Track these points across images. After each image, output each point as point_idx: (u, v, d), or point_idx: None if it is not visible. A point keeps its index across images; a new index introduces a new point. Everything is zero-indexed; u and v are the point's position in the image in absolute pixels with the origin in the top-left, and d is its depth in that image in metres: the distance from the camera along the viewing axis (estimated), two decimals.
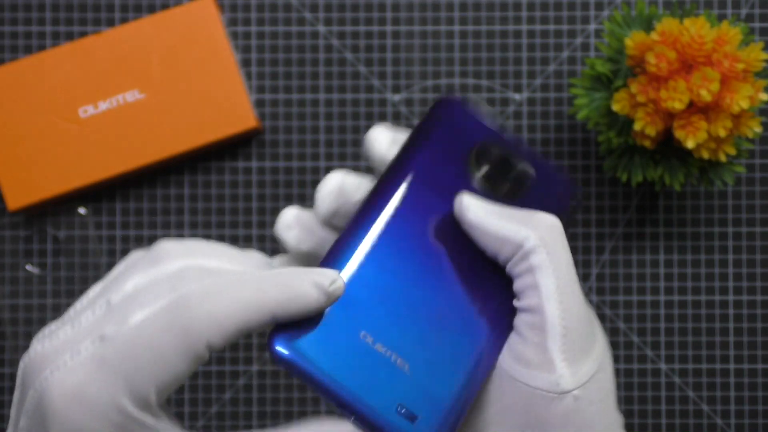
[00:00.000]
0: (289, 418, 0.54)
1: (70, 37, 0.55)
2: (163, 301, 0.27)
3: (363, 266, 0.29)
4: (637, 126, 0.46)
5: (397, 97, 0.55)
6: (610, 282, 0.55)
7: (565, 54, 0.55)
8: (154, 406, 0.27)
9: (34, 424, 0.27)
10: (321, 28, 0.55)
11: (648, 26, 0.48)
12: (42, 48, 0.55)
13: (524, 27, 0.55)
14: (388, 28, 0.55)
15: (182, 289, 0.27)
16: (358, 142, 0.55)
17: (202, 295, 0.27)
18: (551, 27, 0.55)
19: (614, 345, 0.55)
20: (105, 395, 0.26)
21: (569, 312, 0.29)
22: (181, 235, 0.55)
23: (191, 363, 0.27)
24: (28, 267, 0.54)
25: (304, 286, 0.28)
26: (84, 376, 0.26)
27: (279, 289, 0.27)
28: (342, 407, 0.27)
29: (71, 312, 0.29)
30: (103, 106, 0.53)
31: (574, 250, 0.55)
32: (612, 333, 0.55)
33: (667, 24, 0.45)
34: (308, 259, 0.34)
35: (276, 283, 0.27)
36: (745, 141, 0.49)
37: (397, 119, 0.55)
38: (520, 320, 0.30)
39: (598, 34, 0.55)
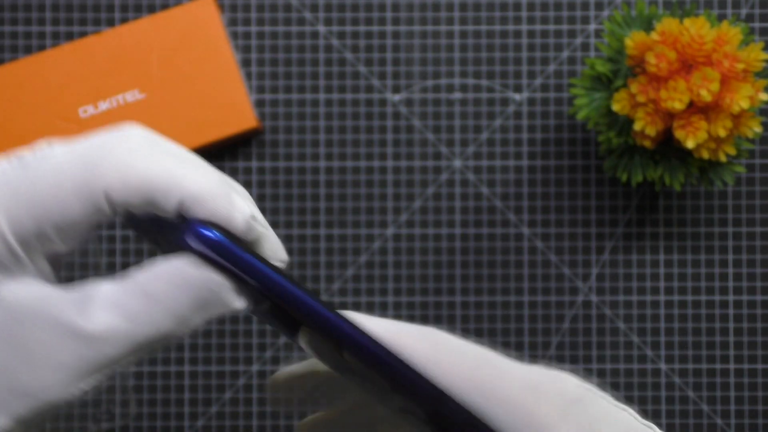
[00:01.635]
0: (290, 418, 0.54)
1: (70, 37, 0.55)
2: (95, 140, 0.26)
3: None
4: (637, 126, 0.46)
5: (397, 97, 0.55)
6: (610, 282, 0.55)
7: (565, 54, 0.55)
8: (34, 243, 0.25)
9: None
10: (321, 28, 0.55)
11: (648, 26, 0.48)
12: (42, 48, 0.55)
13: (524, 27, 0.55)
14: (388, 28, 0.55)
15: (119, 138, 0.26)
16: (358, 142, 0.55)
17: (123, 148, 0.25)
18: (551, 27, 0.55)
19: (614, 345, 0.55)
20: None
21: None
22: None
23: (86, 208, 0.25)
24: None
25: (234, 213, 0.26)
26: None
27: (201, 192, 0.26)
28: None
29: None
30: (103, 106, 0.53)
31: (574, 250, 0.55)
32: (612, 333, 0.55)
33: (667, 24, 0.45)
34: None
35: (204, 190, 0.26)
36: (745, 141, 0.49)
37: (397, 119, 0.55)
38: None
39: (598, 34, 0.55)
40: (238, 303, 0.26)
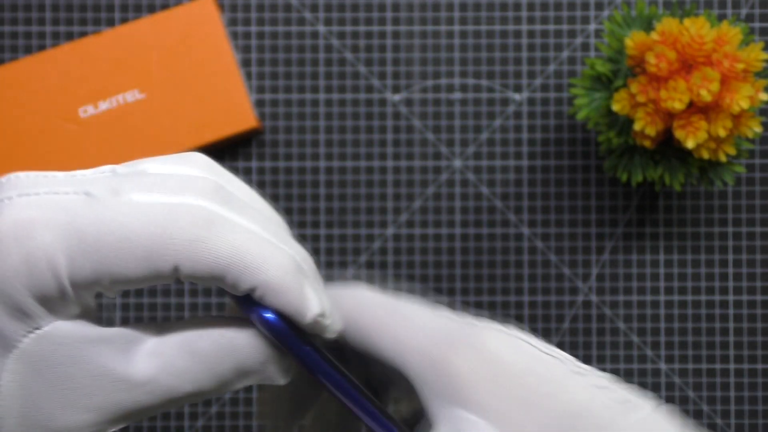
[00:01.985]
0: None
1: (70, 37, 0.55)
2: (171, 197, 0.24)
3: None
4: (637, 126, 0.46)
5: (397, 97, 0.55)
6: (610, 282, 0.55)
7: (565, 54, 0.55)
8: (86, 288, 0.24)
9: None
10: (321, 28, 0.55)
11: (648, 26, 0.48)
12: (42, 48, 0.55)
13: (524, 27, 0.55)
14: (388, 28, 0.55)
15: (195, 199, 0.24)
16: (358, 142, 0.55)
17: (205, 220, 0.24)
18: (551, 27, 0.55)
19: (614, 345, 0.55)
20: (47, 249, 0.23)
21: None
22: None
23: (149, 273, 0.24)
24: None
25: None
26: (41, 214, 0.23)
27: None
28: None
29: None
30: (103, 106, 0.53)
31: (574, 250, 0.55)
32: (612, 333, 0.55)
33: (667, 24, 0.45)
34: None
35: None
36: (745, 141, 0.49)
37: (397, 119, 0.55)
38: None
39: (598, 34, 0.55)
40: (282, 380, 0.26)
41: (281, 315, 0.25)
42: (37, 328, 0.24)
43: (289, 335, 0.25)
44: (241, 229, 0.24)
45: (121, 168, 0.25)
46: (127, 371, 0.24)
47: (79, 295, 0.24)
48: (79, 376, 0.24)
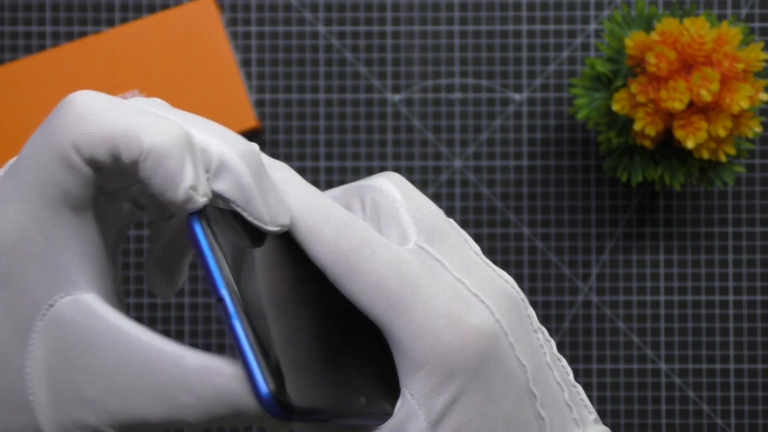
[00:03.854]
0: None
1: (70, 37, 0.55)
2: (42, 125, 0.25)
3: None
4: (637, 126, 0.46)
5: (397, 97, 0.55)
6: (610, 282, 0.55)
7: (565, 54, 0.55)
8: (61, 221, 0.25)
9: None
10: (321, 28, 0.55)
11: (648, 26, 0.48)
12: (42, 48, 0.55)
13: (524, 27, 0.55)
14: (388, 28, 0.55)
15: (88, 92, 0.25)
16: (358, 142, 0.55)
17: (80, 104, 0.25)
18: (551, 27, 0.55)
19: (614, 345, 0.55)
20: (5, 211, 0.25)
21: None
22: None
23: (71, 172, 0.24)
24: None
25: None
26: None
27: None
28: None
29: None
30: None
31: (574, 250, 0.55)
32: (612, 333, 0.55)
33: (667, 24, 0.45)
34: None
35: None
36: (745, 141, 0.49)
37: (397, 119, 0.55)
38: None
39: (598, 34, 0.55)
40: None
41: (206, 220, 0.25)
42: (70, 295, 0.25)
43: (196, 235, 0.25)
44: (127, 106, 0.25)
45: None
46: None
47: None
48: (103, 356, 0.25)
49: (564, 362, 0.30)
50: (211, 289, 0.25)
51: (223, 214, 0.26)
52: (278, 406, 0.24)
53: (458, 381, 0.26)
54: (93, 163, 0.25)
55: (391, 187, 0.29)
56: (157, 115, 0.25)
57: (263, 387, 0.24)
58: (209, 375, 0.24)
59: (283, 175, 0.28)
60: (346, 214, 0.28)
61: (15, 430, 0.26)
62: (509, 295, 0.29)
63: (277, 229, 0.26)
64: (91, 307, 0.25)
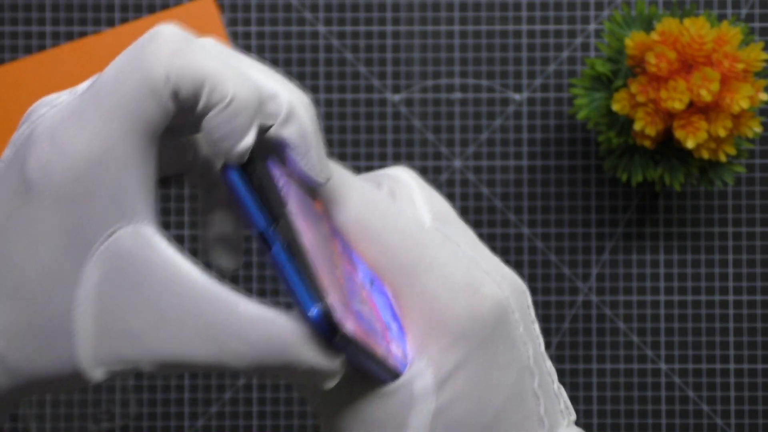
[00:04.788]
0: (290, 418, 0.54)
1: (70, 37, 0.55)
2: (129, 50, 0.26)
3: None
4: (637, 126, 0.46)
5: (397, 97, 0.55)
6: (610, 282, 0.55)
7: (565, 54, 0.55)
8: (135, 150, 0.25)
9: (15, 156, 0.26)
10: (321, 28, 0.55)
11: (648, 26, 0.48)
12: (42, 48, 0.55)
13: (524, 27, 0.55)
14: (388, 28, 0.55)
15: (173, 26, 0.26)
16: (358, 142, 0.55)
17: (184, 38, 0.25)
18: (551, 27, 0.55)
19: (614, 345, 0.55)
20: (82, 136, 0.25)
21: None
22: (181, 235, 0.55)
23: (155, 100, 0.25)
24: None
25: None
26: (68, 113, 0.25)
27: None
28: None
29: None
30: None
31: (574, 250, 0.55)
32: (612, 333, 0.55)
33: (667, 24, 0.45)
34: None
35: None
36: (745, 141, 0.49)
37: (397, 119, 0.55)
38: None
39: (598, 34, 0.55)
40: (326, 384, 0.26)
41: (247, 175, 0.26)
42: (131, 226, 0.25)
43: (233, 177, 0.26)
44: (213, 50, 0.26)
45: None
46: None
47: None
48: (156, 291, 0.25)
49: (547, 361, 0.31)
50: (251, 225, 0.25)
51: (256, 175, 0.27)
52: (327, 323, 0.24)
53: (468, 344, 0.27)
54: (176, 98, 0.25)
55: (406, 177, 0.31)
56: (237, 69, 0.26)
57: (312, 306, 0.24)
58: (264, 324, 0.25)
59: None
60: (371, 187, 0.29)
61: (46, 365, 0.26)
62: (515, 281, 0.30)
63: (323, 181, 0.27)
64: (151, 241, 0.25)
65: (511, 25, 0.55)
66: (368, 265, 0.29)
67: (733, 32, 0.45)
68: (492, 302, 0.28)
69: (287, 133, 0.26)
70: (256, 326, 0.25)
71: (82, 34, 0.56)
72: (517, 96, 0.55)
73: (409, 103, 0.55)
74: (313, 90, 0.55)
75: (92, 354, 0.25)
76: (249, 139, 0.25)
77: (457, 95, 0.55)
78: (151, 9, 0.55)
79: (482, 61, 0.55)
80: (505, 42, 0.55)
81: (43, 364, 0.26)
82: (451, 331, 0.27)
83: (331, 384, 0.26)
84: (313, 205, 0.29)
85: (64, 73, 0.53)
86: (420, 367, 0.27)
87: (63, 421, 0.54)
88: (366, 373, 0.27)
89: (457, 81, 0.55)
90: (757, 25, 0.55)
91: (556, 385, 0.30)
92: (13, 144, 0.26)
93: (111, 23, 0.55)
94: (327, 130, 0.55)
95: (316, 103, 0.55)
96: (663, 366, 0.55)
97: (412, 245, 0.28)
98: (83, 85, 0.27)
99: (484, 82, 0.55)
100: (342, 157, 0.55)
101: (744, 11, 0.55)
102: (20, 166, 0.25)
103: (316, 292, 0.25)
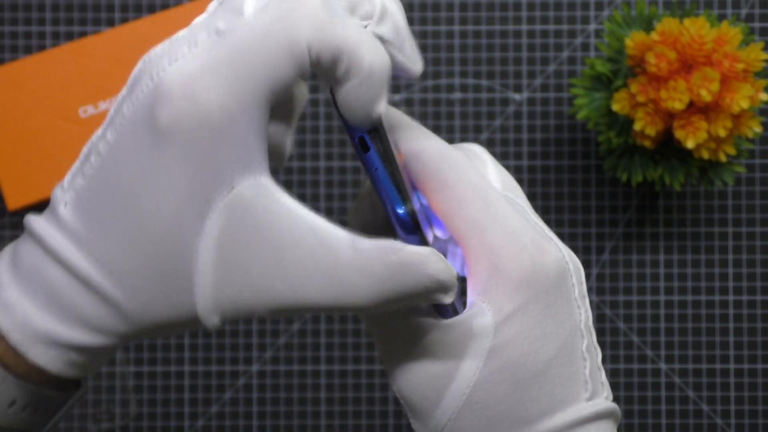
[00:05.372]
0: (290, 418, 0.54)
1: (70, 37, 0.55)
2: (274, 5, 0.27)
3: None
4: (637, 126, 0.46)
5: (397, 97, 0.55)
6: (610, 282, 0.55)
7: (565, 54, 0.55)
8: (262, 107, 0.26)
9: (140, 109, 0.26)
10: None
11: (648, 26, 0.48)
12: (42, 48, 0.55)
13: (524, 27, 0.55)
14: None
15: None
16: None
17: (325, 11, 0.27)
18: (551, 27, 0.55)
19: (614, 345, 0.55)
20: (216, 90, 0.26)
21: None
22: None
23: (295, 66, 0.26)
24: None
25: None
26: (199, 66, 0.26)
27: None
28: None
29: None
30: (103, 106, 0.53)
31: (574, 250, 0.55)
32: (612, 333, 0.55)
33: (667, 24, 0.45)
34: None
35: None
36: (745, 141, 0.49)
37: None
38: None
39: (598, 34, 0.55)
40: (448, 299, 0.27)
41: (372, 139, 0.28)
42: (252, 178, 0.26)
43: (362, 141, 0.28)
44: (351, 19, 0.27)
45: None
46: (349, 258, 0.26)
47: (269, 107, 0.27)
48: (277, 238, 0.26)
49: (594, 336, 0.32)
50: (351, 134, 0.28)
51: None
52: (413, 222, 0.27)
53: (529, 293, 0.29)
54: (315, 63, 0.26)
55: (479, 150, 0.33)
56: (372, 36, 0.27)
57: (401, 205, 0.27)
58: (384, 253, 0.26)
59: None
60: (449, 146, 0.31)
61: (164, 312, 0.27)
62: (573, 256, 0.31)
63: (418, 71, 0.29)
64: (271, 191, 0.26)
65: (511, 25, 0.55)
66: (440, 214, 0.30)
67: (733, 32, 0.45)
68: (554, 260, 0.29)
69: (383, 30, 0.28)
70: (377, 257, 0.26)
71: (82, 34, 0.56)
72: (517, 96, 0.55)
73: (409, 103, 0.55)
74: (313, 90, 0.55)
75: (211, 302, 0.27)
76: (381, 108, 0.27)
77: (457, 95, 0.55)
78: (151, 9, 0.55)
79: (482, 61, 0.55)
80: (505, 42, 0.55)
81: (162, 311, 0.27)
82: (513, 279, 0.29)
83: (449, 299, 0.27)
84: (398, 157, 0.31)
85: (64, 73, 0.53)
86: (480, 307, 0.29)
87: (63, 421, 0.54)
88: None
89: (457, 81, 0.55)
90: (757, 25, 0.55)
91: (600, 358, 0.31)
92: (135, 98, 0.27)
93: (111, 23, 0.55)
94: (328, 131, 0.55)
95: (317, 103, 0.55)
96: (663, 366, 0.55)
97: (484, 199, 0.30)
98: (201, 33, 0.27)
99: (484, 82, 0.55)
100: (342, 158, 0.55)
101: (744, 11, 0.55)
102: (148, 119, 0.26)
103: (404, 195, 0.27)
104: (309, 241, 0.26)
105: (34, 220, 0.27)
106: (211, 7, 0.28)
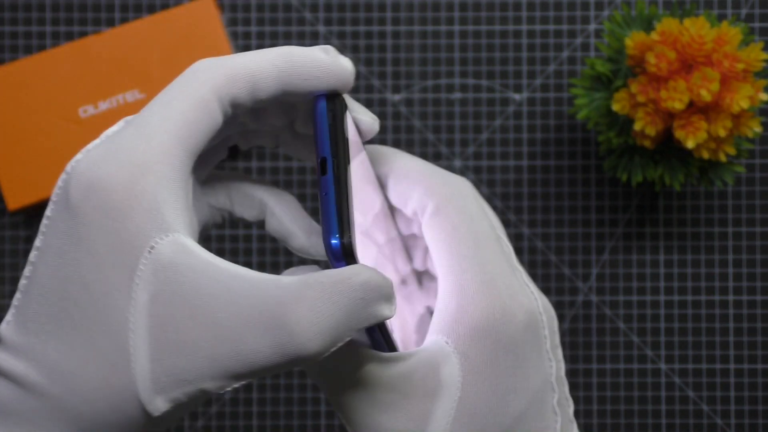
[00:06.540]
0: (290, 418, 0.54)
1: (70, 37, 0.55)
2: (181, 77, 0.28)
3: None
4: (637, 126, 0.46)
5: (397, 97, 0.55)
6: (610, 282, 0.55)
7: (565, 54, 0.55)
8: (172, 164, 0.26)
9: (58, 203, 0.27)
10: (321, 28, 0.55)
11: (648, 26, 0.48)
12: (42, 48, 0.55)
13: (524, 27, 0.55)
14: (388, 28, 0.55)
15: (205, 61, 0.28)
16: None
17: (215, 61, 0.27)
18: (551, 27, 0.55)
19: (614, 345, 0.55)
20: (118, 157, 0.26)
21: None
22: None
23: (203, 113, 0.27)
24: None
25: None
26: (106, 146, 0.27)
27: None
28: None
29: None
30: (103, 106, 0.53)
31: (574, 250, 0.55)
32: (612, 333, 0.55)
33: (667, 24, 0.45)
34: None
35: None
36: (745, 141, 0.49)
37: (397, 119, 0.55)
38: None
39: (598, 34, 0.55)
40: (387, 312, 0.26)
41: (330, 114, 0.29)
42: (168, 236, 0.26)
43: (323, 111, 0.29)
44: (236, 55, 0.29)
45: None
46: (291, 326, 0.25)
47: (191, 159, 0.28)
48: (205, 293, 0.25)
49: (566, 387, 0.31)
50: (317, 149, 0.28)
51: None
52: (343, 255, 0.26)
53: (500, 342, 0.28)
54: (233, 105, 0.28)
55: (468, 186, 0.33)
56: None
57: (336, 236, 0.26)
58: (315, 279, 0.25)
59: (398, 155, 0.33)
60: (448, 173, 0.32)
61: (106, 405, 0.25)
62: (548, 305, 0.31)
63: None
64: (188, 246, 0.26)
65: (511, 25, 0.55)
66: (430, 238, 0.30)
67: (733, 32, 0.45)
68: (525, 310, 0.28)
69: None
70: (309, 286, 0.25)
71: (82, 34, 0.56)
72: (517, 96, 0.55)
73: (409, 103, 0.55)
74: None
75: (149, 377, 0.25)
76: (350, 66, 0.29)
77: (457, 95, 0.55)
78: (151, 9, 0.55)
79: (482, 61, 0.55)
80: (505, 42, 0.55)
81: (103, 404, 0.25)
82: (479, 323, 0.28)
83: (391, 310, 0.26)
84: (373, 175, 0.31)
85: (64, 73, 0.53)
86: (447, 352, 0.28)
87: None
88: (368, 332, 0.28)
89: (457, 81, 0.55)
90: (757, 25, 0.55)
91: (572, 410, 0.30)
92: (54, 197, 0.27)
93: (111, 23, 0.55)
94: None
95: None
96: (663, 366, 0.55)
97: (475, 238, 0.29)
98: (113, 128, 0.28)
99: (484, 82, 0.55)
100: None
101: (744, 11, 0.55)
102: (65, 204, 0.26)
103: (345, 228, 0.26)
104: (237, 288, 0.25)
105: None
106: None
